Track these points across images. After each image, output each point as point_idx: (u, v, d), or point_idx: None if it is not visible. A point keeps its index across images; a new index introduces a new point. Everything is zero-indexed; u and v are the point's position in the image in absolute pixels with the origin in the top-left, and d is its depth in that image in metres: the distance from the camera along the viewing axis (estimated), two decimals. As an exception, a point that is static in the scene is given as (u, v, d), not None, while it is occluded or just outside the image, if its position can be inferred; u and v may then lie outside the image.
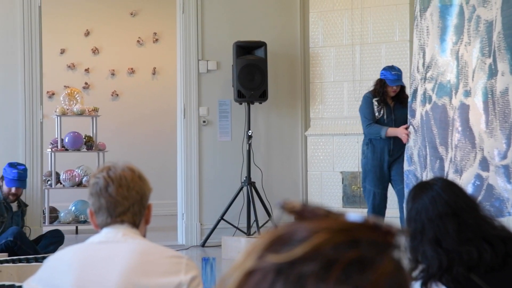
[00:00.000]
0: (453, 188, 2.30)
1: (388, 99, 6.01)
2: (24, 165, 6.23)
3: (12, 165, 6.09)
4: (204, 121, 7.34)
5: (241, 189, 7.05)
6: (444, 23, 5.36)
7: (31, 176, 6.75)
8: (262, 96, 7.13)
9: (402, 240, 0.76)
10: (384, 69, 6.05)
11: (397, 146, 5.90)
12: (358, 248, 0.72)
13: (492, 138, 4.97)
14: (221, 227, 7.00)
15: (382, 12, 7.09)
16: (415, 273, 2.21)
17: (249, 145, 7.13)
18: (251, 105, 7.20)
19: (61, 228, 6.87)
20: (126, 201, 2.06)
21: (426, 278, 2.20)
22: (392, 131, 5.85)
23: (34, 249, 5.83)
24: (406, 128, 5.73)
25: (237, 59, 7.07)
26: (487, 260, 2.17)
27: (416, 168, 5.53)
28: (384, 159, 5.96)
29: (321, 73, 7.40)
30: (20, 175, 6.04)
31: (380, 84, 5.98)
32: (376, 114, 5.97)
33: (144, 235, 2.13)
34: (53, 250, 6.13)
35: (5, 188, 6.01)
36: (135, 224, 2.09)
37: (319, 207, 0.78)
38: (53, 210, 8.26)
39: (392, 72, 5.94)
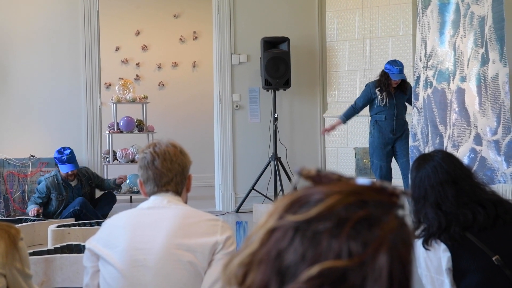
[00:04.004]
0: (452, 159, 2.27)
1: (391, 88, 5.97)
2: (70, 148, 6.04)
3: (59, 152, 5.94)
4: (236, 106, 7.34)
5: (269, 163, 7.05)
6: (443, 19, 5.28)
7: (92, 154, 6.83)
8: (286, 84, 7.10)
9: (405, 201, 0.73)
10: (388, 63, 5.96)
11: (399, 126, 5.96)
12: (366, 208, 0.70)
13: (484, 117, 4.89)
14: (252, 195, 7.02)
15: (389, 10, 7.01)
16: (417, 232, 2.19)
17: (275, 125, 7.11)
18: (276, 92, 7.17)
19: (117, 197, 6.94)
20: (170, 172, 2.05)
21: (427, 236, 2.18)
22: (333, 122, 6.23)
23: (96, 215, 5.90)
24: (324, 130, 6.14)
25: (264, 52, 7.03)
26: (480, 221, 2.14)
27: (420, 143, 5.48)
28: (388, 137, 5.95)
29: (336, 63, 7.33)
30: (68, 158, 5.90)
31: (385, 77, 5.94)
32: (379, 101, 5.96)
33: (185, 201, 2.12)
34: (109, 209, 6.22)
35: (62, 174, 5.94)
36: (178, 192, 2.08)
37: (332, 173, 0.76)
38: (111, 183, 8.35)
39: (395, 67, 5.88)
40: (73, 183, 6.03)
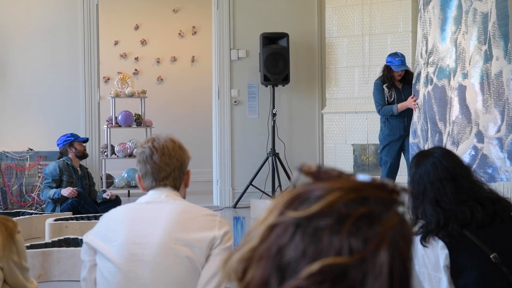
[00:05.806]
0: (451, 156, 2.27)
1: (396, 82, 5.92)
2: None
3: (64, 136, 6.10)
4: (235, 101, 7.33)
5: (267, 159, 7.05)
6: (444, 15, 5.27)
7: (90, 148, 6.82)
8: (285, 79, 7.09)
9: (406, 198, 0.73)
10: (389, 56, 5.93)
11: (410, 123, 5.81)
12: (367, 204, 0.70)
13: (487, 114, 4.87)
14: (250, 191, 7.02)
15: (388, 7, 7.00)
16: (415, 229, 2.19)
17: (274, 121, 7.11)
18: (275, 88, 7.16)
19: (115, 191, 6.93)
20: (168, 167, 2.05)
21: (425, 233, 2.18)
22: (402, 105, 5.78)
23: (94, 207, 5.88)
24: (412, 97, 5.64)
25: (263, 48, 7.02)
26: (478, 218, 2.14)
27: (420, 141, 5.47)
28: (400, 135, 5.87)
29: (335, 59, 7.33)
30: (77, 134, 6.18)
31: (387, 70, 5.88)
32: (387, 98, 5.87)
33: (183, 197, 2.12)
34: None
35: (79, 148, 6.03)
36: (176, 187, 2.08)
37: (333, 169, 0.75)
38: (109, 177, 8.35)
39: (396, 59, 5.84)
40: (79, 171, 6.09)
